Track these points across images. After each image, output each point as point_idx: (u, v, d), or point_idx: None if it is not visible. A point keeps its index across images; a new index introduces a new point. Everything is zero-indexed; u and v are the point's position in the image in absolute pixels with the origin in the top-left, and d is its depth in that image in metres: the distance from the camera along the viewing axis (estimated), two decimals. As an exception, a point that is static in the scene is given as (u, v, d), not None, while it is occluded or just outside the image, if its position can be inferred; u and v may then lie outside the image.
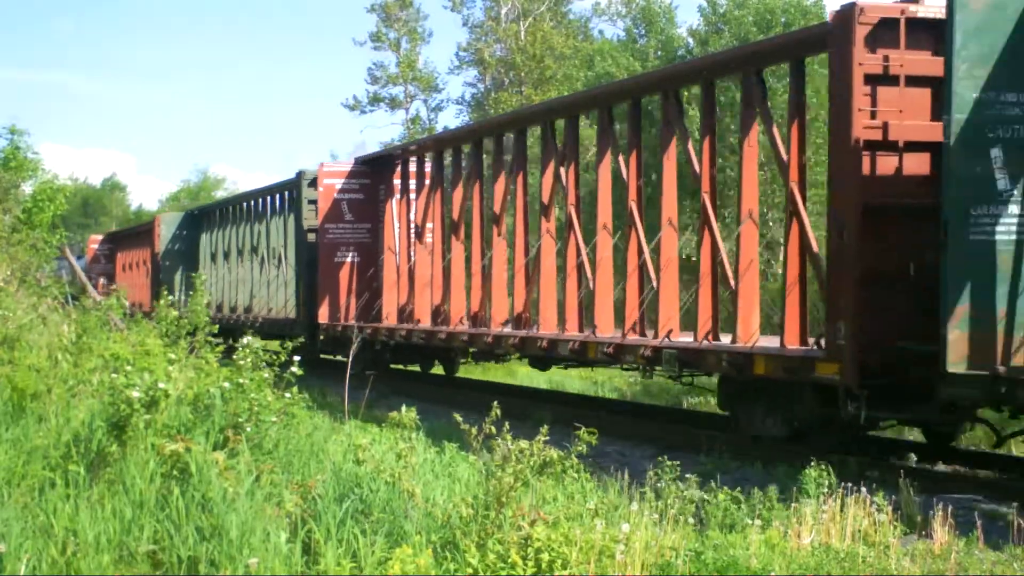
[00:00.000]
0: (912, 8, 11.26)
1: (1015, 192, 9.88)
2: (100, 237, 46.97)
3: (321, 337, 22.48)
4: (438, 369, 23.47)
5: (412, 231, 21.61)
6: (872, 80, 11.19)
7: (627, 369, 16.48)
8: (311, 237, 23.68)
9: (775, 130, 13.13)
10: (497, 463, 6.54)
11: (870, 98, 11.20)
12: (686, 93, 19.58)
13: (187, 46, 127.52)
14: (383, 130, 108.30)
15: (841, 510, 7.62)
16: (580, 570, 6.09)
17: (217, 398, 8.04)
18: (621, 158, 16.05)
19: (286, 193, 26.10)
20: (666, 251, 14.50)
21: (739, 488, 8.48)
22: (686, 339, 14.10)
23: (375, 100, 51.60)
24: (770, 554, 6.91)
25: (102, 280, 38.13)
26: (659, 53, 36.18)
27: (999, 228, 9.85)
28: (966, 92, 9.82)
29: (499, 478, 6.44)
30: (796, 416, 12.37)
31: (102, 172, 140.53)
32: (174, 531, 6.44)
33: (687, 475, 8.34)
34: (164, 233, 34.00)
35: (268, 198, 27.64)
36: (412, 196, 21.71)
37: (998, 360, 9.78)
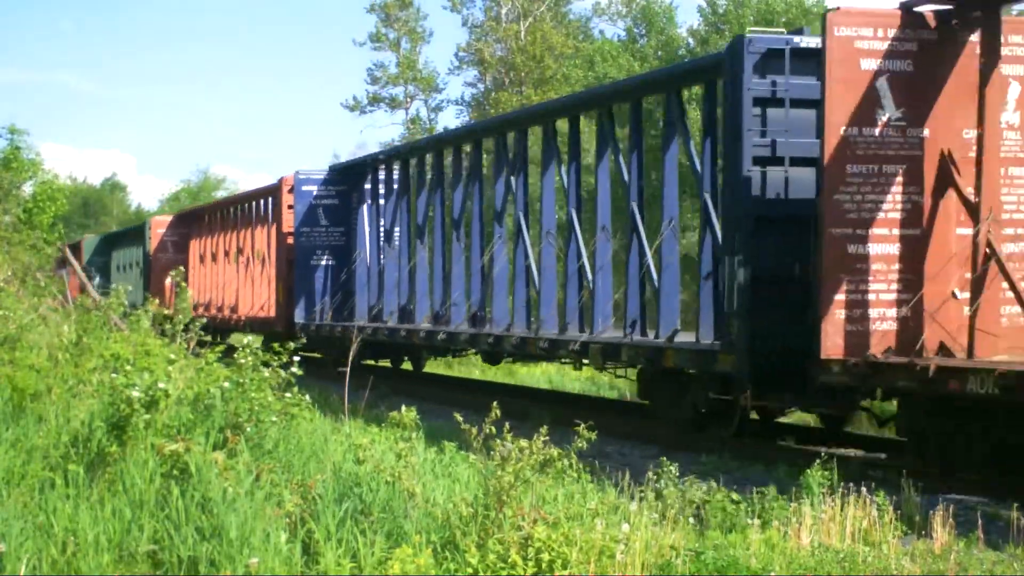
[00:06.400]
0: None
1: None
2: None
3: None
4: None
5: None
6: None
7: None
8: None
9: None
10: (497, 462, 6.53)
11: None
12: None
13: (187, 46, 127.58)
14: (383, 130, 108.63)
15: (841, 510, 7.62)
16: (580, 570, 6.08)
17: (217, 398, 8.03)
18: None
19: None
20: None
21: (739, 488, 8.48)
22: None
23: (375, 100, 51.60)
24: (770, 554, 6.91)
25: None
26: (659, 53, 36.17)
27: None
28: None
29: (499, 477, 6.43)
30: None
31: (102, 172, 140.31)
32: (174, 531, 6.43)
33: (687, 475, 8.35)
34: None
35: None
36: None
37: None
